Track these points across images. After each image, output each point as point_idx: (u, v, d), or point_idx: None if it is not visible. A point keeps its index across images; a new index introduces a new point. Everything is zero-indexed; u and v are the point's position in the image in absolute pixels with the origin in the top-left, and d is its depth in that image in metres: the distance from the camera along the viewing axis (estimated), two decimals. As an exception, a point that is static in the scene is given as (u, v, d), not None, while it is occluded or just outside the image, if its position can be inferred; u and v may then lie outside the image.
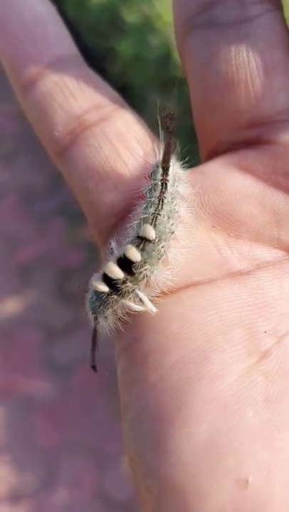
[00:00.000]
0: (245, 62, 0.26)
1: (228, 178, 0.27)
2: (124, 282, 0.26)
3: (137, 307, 0.25)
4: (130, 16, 1.53)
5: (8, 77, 0.30)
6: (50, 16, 0.29)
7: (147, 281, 0.26)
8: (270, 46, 0.26)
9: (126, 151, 0.28)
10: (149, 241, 0.26)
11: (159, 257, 0.26)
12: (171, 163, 0.27)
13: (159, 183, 0.27)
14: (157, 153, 0.28)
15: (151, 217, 0.27)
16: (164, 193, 0.27)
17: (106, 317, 0.26)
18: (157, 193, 0.27)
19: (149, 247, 0.26)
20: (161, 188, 0.27)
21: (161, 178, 0.27)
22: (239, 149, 0.27)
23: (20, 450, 1.37)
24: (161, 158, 0.27)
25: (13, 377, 1.49)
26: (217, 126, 0.27)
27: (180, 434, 0.22)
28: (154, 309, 0.25)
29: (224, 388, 0.22)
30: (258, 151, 0.26)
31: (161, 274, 0.26)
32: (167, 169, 0.27)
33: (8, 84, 0.30)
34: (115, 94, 0.30)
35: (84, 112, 0.28)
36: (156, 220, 0.27)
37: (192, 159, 0.28)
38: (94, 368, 0.28)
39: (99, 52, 1.65)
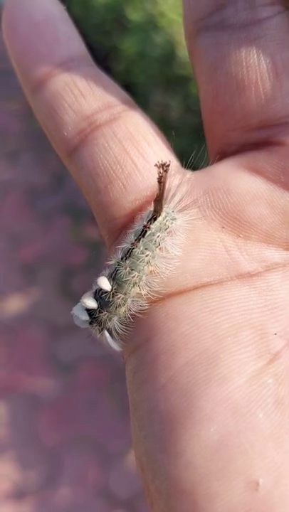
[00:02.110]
0: (256, 64, 0.26)
1: (238, 180, 0.27)
2: (90, 323, 0.27)
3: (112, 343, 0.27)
4: (134, 14, 1.52)
5: (18, 77, 0.30)
6: (60, 15, 0.29)
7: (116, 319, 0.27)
8: (281, 48, 0.26)
9: (135, 151, 0.27)
10: (105, 292, 0.27)
11: (113, 309, 0.27)
12: (163, 213, 0.27)
13: (141, 228, 0.27)
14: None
15: (115, 266, 0.27)
16: (137, 241, 0.27)
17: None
18: (132, 240, 0.27)
19: (103, 296, 0.27)
20: (138, 236, 0.27)
21: (144, 224, 0.27)
22: (248, 151, 0.27)
23: (23, 447, 1.37)
24: (152, 206, 0.27)
25: (17, 375, 1.49)
26: (227, 127, 0.27)
27: (190, 436, 0.22)
28: (118, 348, 0.26)
29: (234, 390, 0.22)
30: (268, 152, 0.26)
31: (117, 323, 0.27)
32: (154, 218, 0.27)
33: (12, 83, 0.30)
34: (125, 94, 0.30)
35: (94, 112, 0.28)
36: (115, 272, 0.27)
37: (194, 158, 0.28)
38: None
39: (102, 51, 1.65)
